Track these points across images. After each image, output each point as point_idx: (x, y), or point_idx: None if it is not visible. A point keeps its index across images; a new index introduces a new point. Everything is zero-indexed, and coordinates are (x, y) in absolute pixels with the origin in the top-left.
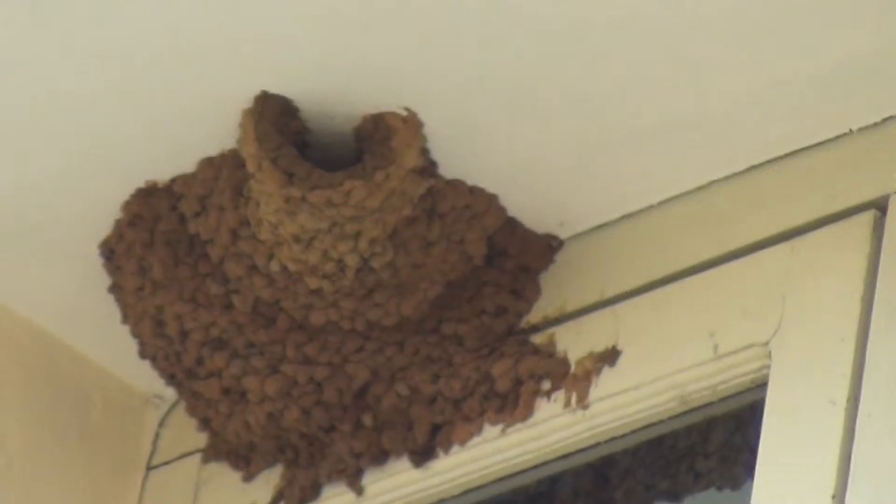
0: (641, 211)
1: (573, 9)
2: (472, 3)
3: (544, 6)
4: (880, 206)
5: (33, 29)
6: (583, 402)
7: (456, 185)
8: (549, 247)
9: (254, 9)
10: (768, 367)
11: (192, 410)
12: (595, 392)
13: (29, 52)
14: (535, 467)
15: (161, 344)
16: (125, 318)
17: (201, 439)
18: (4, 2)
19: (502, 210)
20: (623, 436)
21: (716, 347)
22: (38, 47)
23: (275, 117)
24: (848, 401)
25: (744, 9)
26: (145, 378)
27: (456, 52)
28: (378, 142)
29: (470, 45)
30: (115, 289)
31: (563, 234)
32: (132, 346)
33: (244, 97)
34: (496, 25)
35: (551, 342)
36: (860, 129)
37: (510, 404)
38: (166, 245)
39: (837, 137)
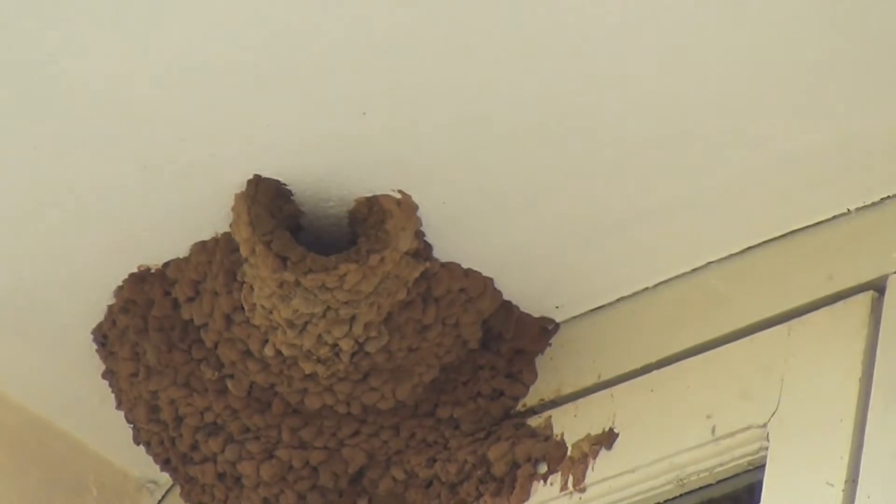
0: (637, 293)
1: (565, 94)
2: (467, 90)
3: (536, 92)
4: (878, 286)
5: (27, 118)
6: (580, 486)
7: (451, 268)
8: (544, 330)
9: (247, 94)
10: (766, 448)
11: (187, 496)
12: (592, 475)
13: (23, 140)
14: None
15: (156, 429)
16: (119, 404)
17: None
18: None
19: (498, 293)
20: None
21: (713, 429)
22: (31, 135)
23: (268, 201)
24: (846, 483)
25: (741, 90)
26: (140, 463)
27: (450, 137)
28: (372, 225)
29: (464, 129)
30: (109, 374)
31: (559, 318)
32: (127, 431)
33: (237, 181)
34: (491, 111)
35: (548, 425)
36: (857, 210)
37: (507, 488)
38: (160, 330)
39: (834, 217)
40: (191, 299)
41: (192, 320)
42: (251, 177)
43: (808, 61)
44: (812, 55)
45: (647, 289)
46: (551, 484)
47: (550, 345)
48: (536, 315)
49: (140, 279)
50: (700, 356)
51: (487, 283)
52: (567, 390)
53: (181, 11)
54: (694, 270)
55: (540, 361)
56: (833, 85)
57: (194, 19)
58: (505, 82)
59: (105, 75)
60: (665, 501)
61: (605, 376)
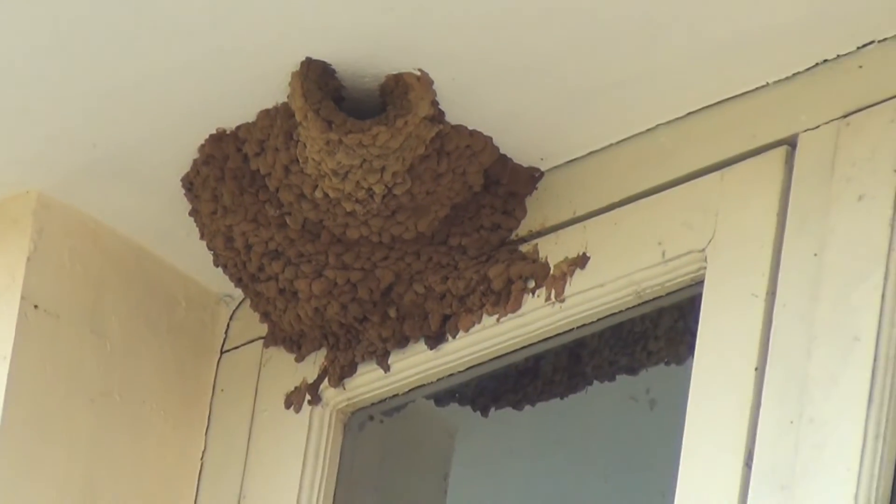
0: (604, 148)
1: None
2: None
3: None
4: (791, 142)
5: (132, 5)
6: (560, 297)
7: (459, 129)
8: (532, 177)
9: None
10: (704, 268)
11: (255, 306)
12: (569, 289)
13: (131, 26)
14: (523, 348)
15: (230, 255)
16: (202, 236)
17: (262, 329)
18: None
19: (496, 148)
20: (591, 323)
21: (663, 253)
22: (136, 22)
23: (317, 77)
24: (767, 294)
25: None
26: (219, 281)
27: (459, 26)
28: (398, 96)
29: (470, 20)
30: (194, 213)
31: (543, 167)
32: (208, 257)
33: (293, 62)
34: (491, 6)
35: (535, 250)
36: (774, 83)
37: (503, 299)
38: (234, 178)
39: (756, 89)
40: (257, 154)
41: (258, 170)
42: (304, 59)
43: None
44: None
45: (611, 144)
46: (538, 296)
47: (536, 188)
48: (526, 165)
49: (218, 139)
50: (653, 196)
51: (487, 140)
52: (549, 223)
53: None
54: (648, 130)
55: (528, 201)
56: None
57: None
58: None
59: None
60: (626, 309)
61: (579, 213)
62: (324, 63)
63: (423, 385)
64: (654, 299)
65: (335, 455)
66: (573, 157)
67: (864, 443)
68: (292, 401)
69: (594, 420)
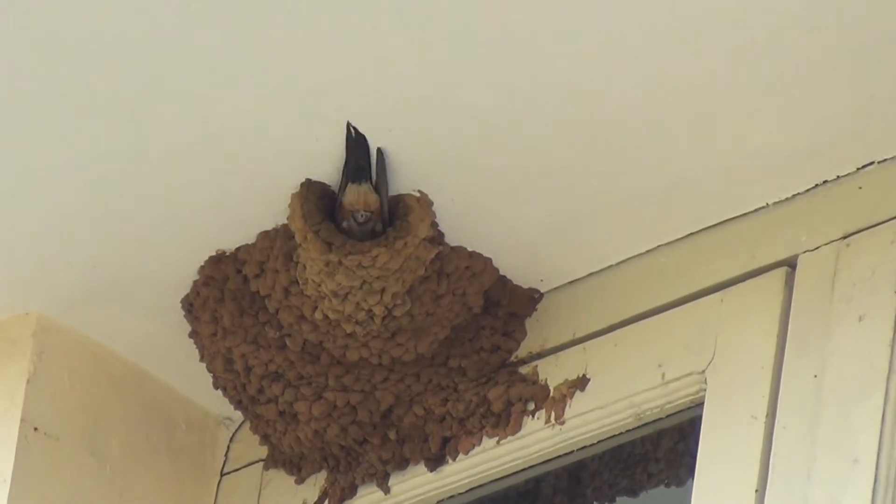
0: (604, 269)
1: (546, 114)
2: (470, 113)
3: (526, 116)
4: (791, 263)
5: (132, 130)
6: (560, 419)
7: (459, 250)
8: (532, 298)
9: (301, 117)
10: (704, 390)
11: (255, 429)
12: (569, 411)
13: (127, 151)
14: (523, 470)
15: (230, 377)
16: (202, 357)
17: (263, 451)
18: (102, 110)
19: (495, 270)
20: (591, 445)
21: (663, 375)
22: (134, 147)
23: (317, 199)
24: (767, 416)
25: (681, 109)
26: (218, 404)
27: (458, 149)
28: (398, 217)
29: (470, 141)
30: (194, 334)
31: (543, 288)
32: (208, 379)
33: (293, 184)
34: (489, 134)
35: (535, 372)
36: (774, 203)
37: (503, 421)
38: (233, 300)
39: (756, 210)
40: (257, 276)
41: (258, 292)
42: (303, 180)
43: (733, 85)
44: (740, 81)
45: (611, 266)
46: (538, 418)
47: (536, 310)
48: (526, 286)
49: (217, 260)
50: (653, 318)
51: (487, 262)
52: (549, 345)
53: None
54: (647, 251)
55: (528, 323)
56: (757, 105)
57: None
58: (498, 109)
59: (196, 105)
60: (626, 431)
61: (579, 334)
62: (323, 184)
63: None
64: (654, 421)
65: None
66: (573, 279)
67: None
68: None
69: None
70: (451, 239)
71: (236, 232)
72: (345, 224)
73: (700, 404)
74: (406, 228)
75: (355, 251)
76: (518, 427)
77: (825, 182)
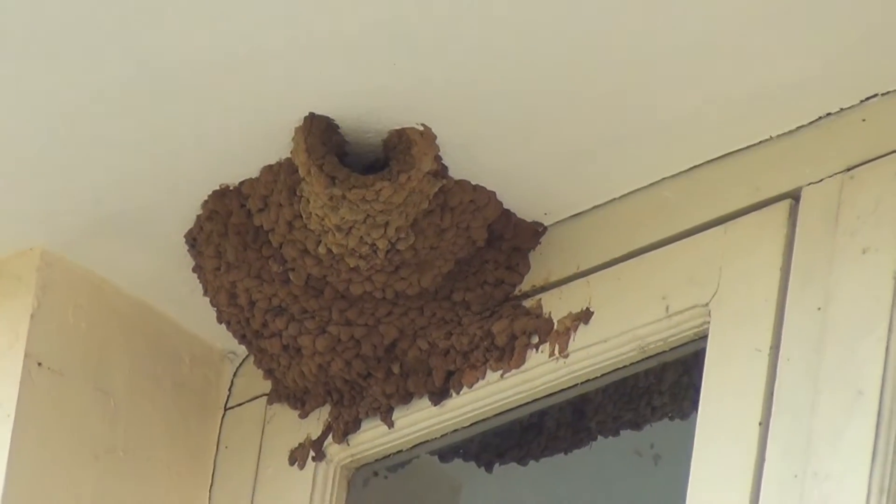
0: (608, 203)
1: (548, 47)
2: (471, 47)
3: (530, 47)
4: (794, 196)
5: (134, 64)
6: (564, 353)
7: (462, 184)
8: (536, 231)
9: (305, 55)
10: (708, 323)
11: (259, 363)
12: (573, 344)
13: (130, 85)
14: (527, 404)
15: (234, 311)
16: (206, 292)
17: (266, 385)
18: (103, 43)
19: (499, 203)
20: (595, 378)
21: (667, 308)
22: (136, 79)
23: (320, 133)
24: (770, 349)
25: (691, 42)
26: (222, 338)
27: (461, 81)
28: (401, 151)
29: (472, 75)
30: (197, 269)
31: (546, 222)
32: (212, 313)
33: (296, 117)
34: (491, 65)
35: (539, 306)
36: (778, 136)
37: (507, 355)
38: (237, 234)
39: (760, 143)
40: (261, 210)
41: (262, 226)
42: (307, 114)
43: (734, 17)
44: (741, 13)
45: (615, 199)
46: (542, 352)
47: (540, 243)
48: (529, 220)
49: (221, 195)
50: (657, 251)
51: (491, 195)
52: (553, 278)
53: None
54: (651, 184)
55: (532, 256)
56: (760, 38)
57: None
58: (500, 43)
59: (198, 37)
60: (630, 364)
61: (583, 267)
62: (327, 118)
63: (427, 441)
64: (657, 354)
65: None
66: (577, 212)
67: (869, 496)
68: (296, 457)
69: (599, 475)
70: (455, 173)
71: (240, 166)
72: None
73: (704, 337)
74: (409, 162)
75: (359, 185)
76: (522, 360)
77: (828, 115)
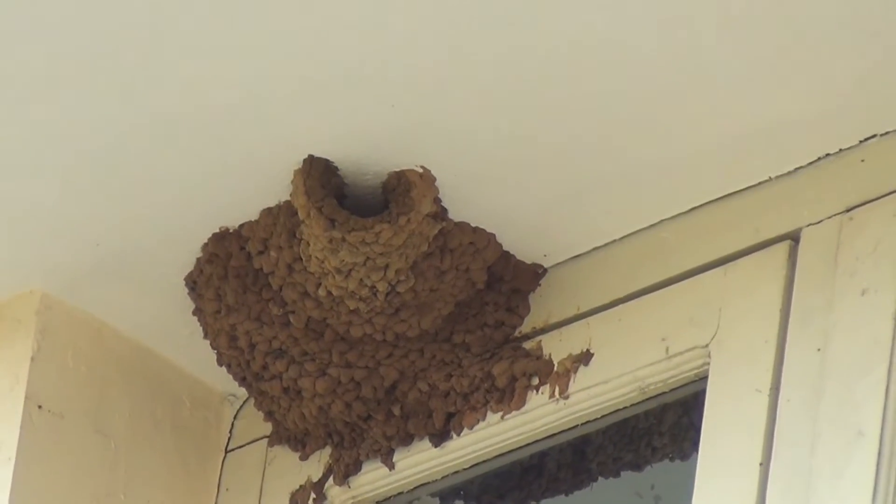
0: (608, 244)
1: (548, 88)
2: (471, 90)
3: (529, 89)
4: (794, 237)
5: (133, 106)
6: (564, 394)
7: (462, 226)
8: (536, 273)
9: (304, 96)
10: (708, 364)
11: (259, 405)
12: (573, 386)
13: (129, 127)
14: (528, 445)
15: (234, 354)
16: (206, 335)
17: (267, 428)
18: (103, 85)
19: (499, 245)
20: (596, 420)
21: (667, 349)
22: (136, 123)
23: (319, 175)
24: (770, 389)
25: (687, 82)
26: (223, 381)
27: (460, 123)
28: (401, 193)
29: (471, 117)
30: (197, 312)
31: (546, 264)
32: (212, 356)
33: (295, 160)
34: (492, 106)
35: (539, 347)
36: (777, 177)
37: (507, 397)
38: (237, 277)
39: (759, 183)
40: (261, 252)
41: (261, 269)
42: (306, 157)
43: (734, 57)
44: (740, 53)
45: (615, 240)
46: (542, 393)
47: (540, 285)
48: (529, 262)
49: (221, 237)
50: (656, 292)
51: (491, 237)
52: (553, 320)
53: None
54: (651, 226)
55: (532, 298)
56: (759, 79)
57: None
58: (500, 84)
59: (197, 80)
60: (630, 406)
61: (583, 309)
62: (326, 160)
63: (428, 483)
64: (658, 395)
65: None
66: (576, 254)
67: None
68: (297, 499)
69: None
70: (455, 214)
71: (240, 209)
72: None
73: (704, 378)
74: (409, 204)
75: (358, 227)
76: (522, 402)
77: (827, 155)
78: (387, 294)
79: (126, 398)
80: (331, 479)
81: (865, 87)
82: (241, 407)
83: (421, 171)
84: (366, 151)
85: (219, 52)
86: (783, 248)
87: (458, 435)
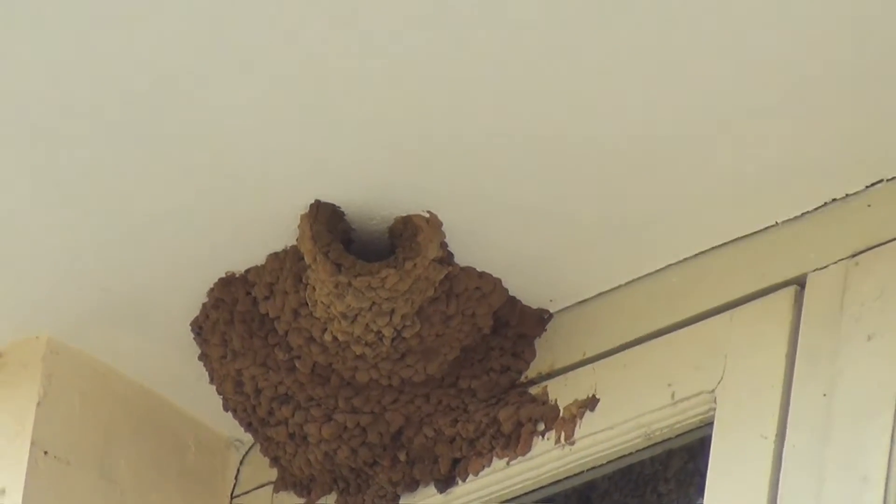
0: (613, 289)
1: (555, 134)
2: (477, 135)
3: (535, 135)
4: (800, 282)
5: (140, 152)
6: (570, 440)
7: (468, 271)
8: (541, 318)
9: (311, 137)
10: (714, 410)
11: (265, 451)
12: (579, 431)
13: (136, 173)
14: (534, 491)
15: (240, 399)
16: (212, 380)
17: (273, 473)
18: (111, 132)
19: (505, 290)
20: (601, 465)
21: (673, 395)
22: (142, 168)
23: (326, 220)
24: (776, 436)
25: (692, 131)
26: (228, 426)
27: (468, 168)
28: (407, 238)
29: (479, 162)
30: (203, 357)
31: (552, 309)
32: (218, 401)
33: (302, 205)
34: (498, 152)
35: (545, 392)
36: (783, 222)
37: (513, 442)
38: (243, 322)
39: (766, 228)
40: (267, 297)
41: (267, 314)
42: (313, 201)
43: (740, 103)
44: (747, 99)
45: (620, 286)
46: (548, 439)
47: (546, 330)
48: (535, 307)
49: (227, 283)
50: (662, 338)
51: (497, 282)
52: (559, 365)
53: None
54: (657, 271)
55: (538, 343)
56: (765, 124)
57: (274, 78)
58: (507, 125)
59: (203, 127)
60: (635, 451)
61: (589, 354)
62: (332, 205)
63: None
64: (663, 441)
65: None
66: (582, 299)
67: None
68: None
69: None
70: (461, 259)
71: (246, 254)
72: None
73: (710, 424)
74: (415, 249)
75: (364, 272)
76: (528, 448)
77: (834, 200)
78: (393, 339)
79: (132, 443)
80: None
81: (872, 133)
82: (246, 452)
83: (427, 216)
84: (372, 196)
85: (224, 96)
86: (789, 293)
87: (464, 481)
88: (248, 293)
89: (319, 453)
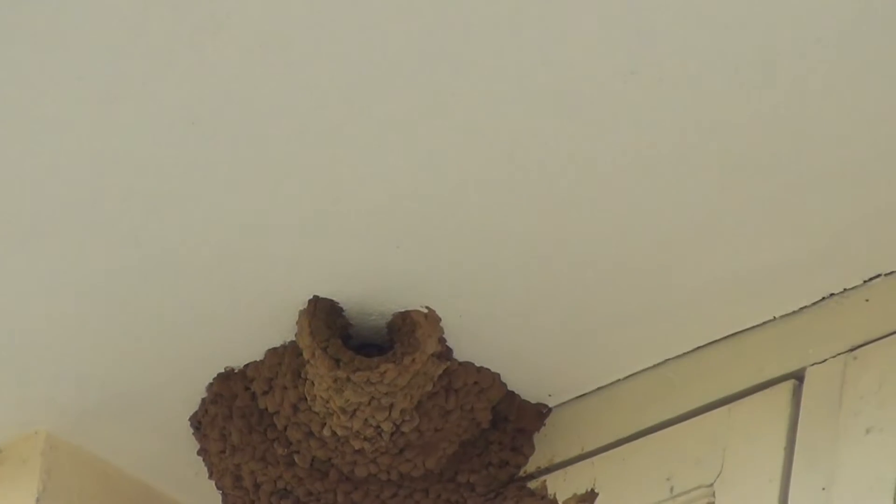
0: (612, 384)
1: (551, 229)
2: (475, 232)
3: (533, 230)
4: (798, 376)
5: (138, 248)
6: None
7: (467, 366)
8: (540, 413)
9: (308, 233)
10: (713, 503)
11: None
12: None
13: (134, 269)
14: None
15: (239, 494)
16: (211, 475)
17: None
18: (108, 229)
19: (503, 385)
20: None
21: (671, 489)
22: (139, 265)
23: (325, 316)
24: None
25: (687, 226)
26: None
27: (466, 263)
28: (406, 333)
29: (477, 257)
30: (202, 452)
31: (551, 403)
32: (217, 496)
33: (300, 300)
34: (495, 249)
35: (543, 487)
36: (781, 317)
37: None
38: (242, 417)
39: (763, 323)
40: (265, 392)
41: (266, 409)
42: (311, 297)
43: (736, 199)
44: (742, 195)
45: (619, 380)
46: None
47: (545, 425)
48: (533, 402)
49: (226, 377)
50: (661, 432)
51: (495, 377)
52: (558, 460)
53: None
54: (655, 366)
55: (536, 438)
56: (763, 219)
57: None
58: (503, 224)
59: (200, 222)
60: None
61: (587, 448)
62: (331, 301)
63: None
64: None
65: None
66: (581, 393)
67: None
68: None
69: None
70: (459, 354)
71: (244, 349)
72: None
73: None
74: (414, 344)
75: (363, 367)
76: None
77: (832, 295)
78: (392, 434)
79: None
80: None
81: (869, 228)
82: None
83: (426, 311)
84: (371, 292)
85: (222, 191)
86: (787, 387)
87: None
88: (247, 388)
89: None
